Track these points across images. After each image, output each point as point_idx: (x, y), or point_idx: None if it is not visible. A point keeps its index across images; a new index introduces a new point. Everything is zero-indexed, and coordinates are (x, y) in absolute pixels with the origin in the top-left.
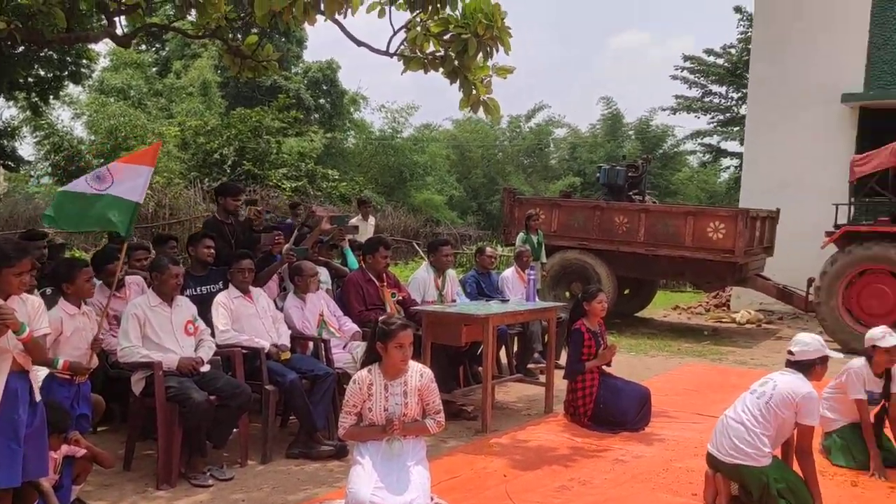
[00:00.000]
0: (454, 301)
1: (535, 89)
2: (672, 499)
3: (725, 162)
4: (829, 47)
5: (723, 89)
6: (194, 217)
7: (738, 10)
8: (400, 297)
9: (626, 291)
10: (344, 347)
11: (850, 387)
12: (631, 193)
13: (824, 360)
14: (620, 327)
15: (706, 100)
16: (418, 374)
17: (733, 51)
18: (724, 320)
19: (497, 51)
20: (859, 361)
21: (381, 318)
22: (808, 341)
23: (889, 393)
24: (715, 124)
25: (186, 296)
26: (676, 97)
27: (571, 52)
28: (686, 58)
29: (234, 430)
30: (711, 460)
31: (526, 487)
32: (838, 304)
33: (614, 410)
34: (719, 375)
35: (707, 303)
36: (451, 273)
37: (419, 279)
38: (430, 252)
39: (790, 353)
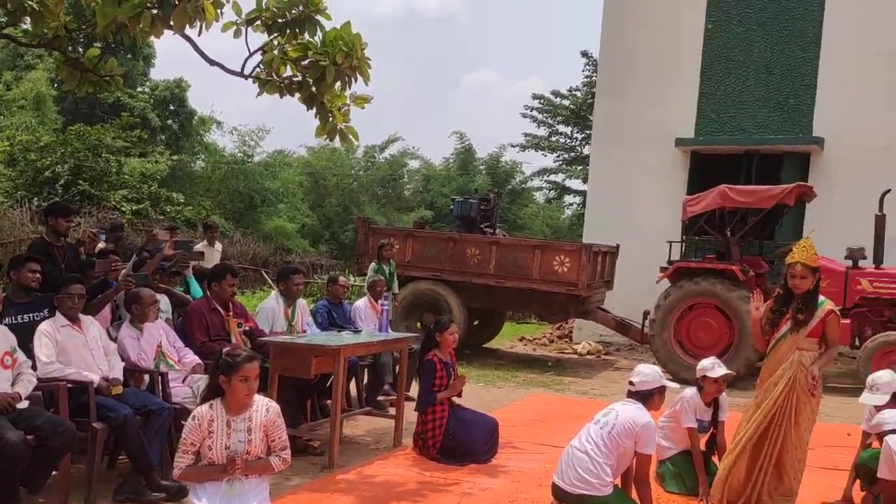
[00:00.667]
0: (304, 332)
1: (390, 120)
2: None
3: (569, 199)
4: (665, 94)
5: (568, 129)
6: (20, 239)
7: (584, 54)
8: (247, 328)
9: (476, 322)
10: (183, 381)
11: (682, 416)
12: (483, 226)
13: (662, 390)
14: (469, 358)
15: (553, 139)
16: (264, 408)
17: (578, 93)
18: (566, 351)
19: (356, 80)
20: (691, 391)
21: (224, 350)
22: (648, 372)
23: (717, 421)
24: (560, 163)
25: (5, 324)
26: (526, 135)
27: (427, 86)
28: (535, 97)
29: (53, 472)
30: (556, 491)
31: None
32: (670, 337)
33: (463, 442)
34: (562, 405)
35: (551, 334)
36: (302, 303)
37: (268, 309)
38: (280, 280)
39: (631, 383)
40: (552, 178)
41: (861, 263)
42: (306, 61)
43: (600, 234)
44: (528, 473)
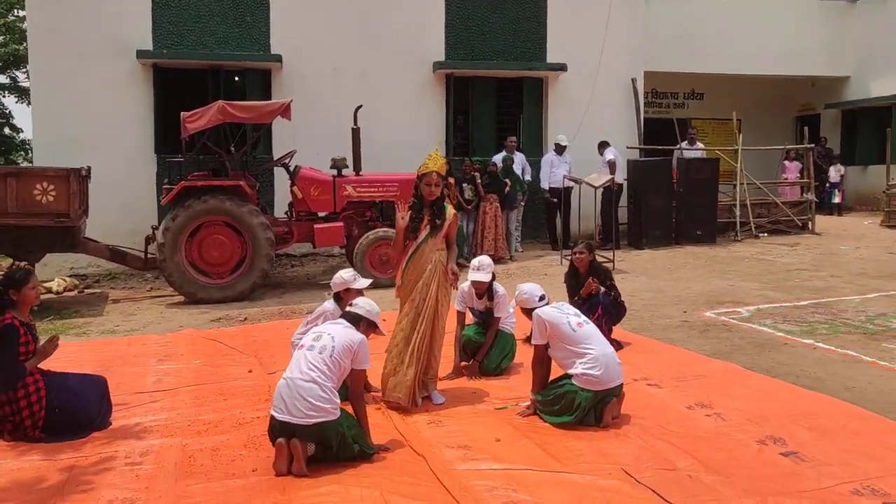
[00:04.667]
0: None
1: None
2: (215, 485)
3: None
4: (112, 2)
5: None
6: None
7: None
8: None
9: None
10: None
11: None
12: None
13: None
14: None
15: None
16: None
17: None
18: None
19: None
20: (331, 304)
21: None
22: (363, 304)
23: None
24: None
25: None
26: None
27: None
28: None
29: None
30: (284, 427)
31: None
32: (182, 259)
33: (76, 411)
34: (111, 348)
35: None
36: None
37: None
38: None
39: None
40: None
41: (344, 172)
42: None
43: (55, 156)
44: (169, 425)
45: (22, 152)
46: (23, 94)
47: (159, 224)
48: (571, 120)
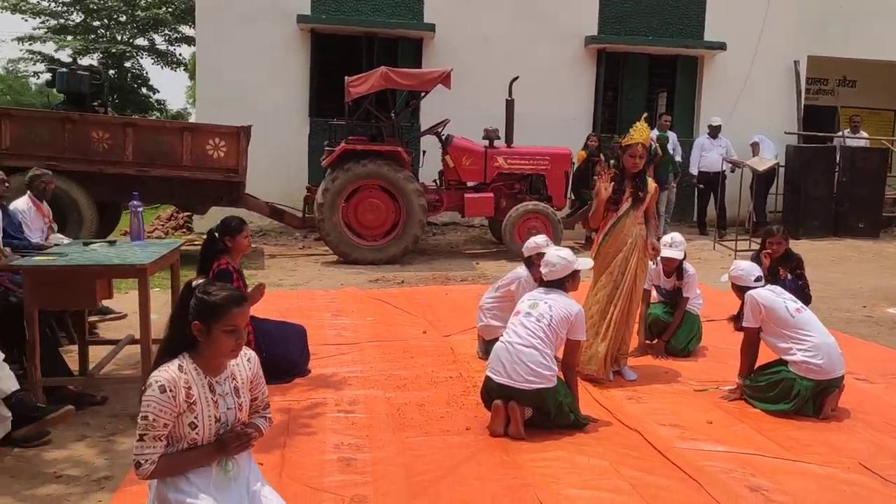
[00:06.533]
0: None
1: None
2: (434, 440)
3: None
4: None
5: None
6: None
7: None
8: None
9: None
10: None
11: (518, 294)
12: (94, 105)
13: (574, 274)
14: None
15: (34, 0)
16: (245, 360)
17: None
18: (196, 243)
19: None
20: (524, 271)
21: (198, 286)
22: (556, 262)
23: None
24: (45, 30)
25: None
26: None
27: None
28: None
29: None
30: (503, 390)
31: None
32: (339, 220)
33: (281, 358)
34: (284, 301)
35: (163, 226)
36: None
37: None
38: None
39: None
40: (38, 47)
41: (496, 143)
42: None
43: (215, 112)
44: (372, 377)
45: (157, 112)
46: (160, 56)
47: (310, 184)
48: (726, 102)
